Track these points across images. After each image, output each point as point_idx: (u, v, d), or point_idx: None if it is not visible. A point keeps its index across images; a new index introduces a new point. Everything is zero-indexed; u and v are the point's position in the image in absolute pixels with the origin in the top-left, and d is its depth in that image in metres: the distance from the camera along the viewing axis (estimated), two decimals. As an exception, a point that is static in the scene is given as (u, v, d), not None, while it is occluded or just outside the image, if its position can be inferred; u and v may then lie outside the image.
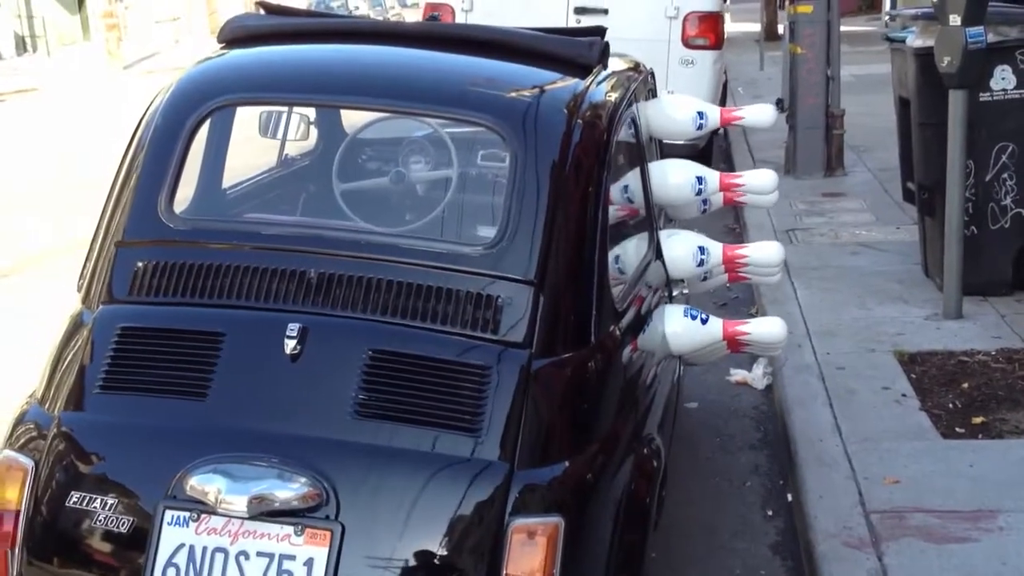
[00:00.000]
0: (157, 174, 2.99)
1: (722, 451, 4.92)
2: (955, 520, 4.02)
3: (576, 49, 3.36)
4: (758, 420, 5.24)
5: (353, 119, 3.96)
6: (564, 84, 3.22)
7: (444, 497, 2.60)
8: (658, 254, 3.71)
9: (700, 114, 4.01)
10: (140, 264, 2.90)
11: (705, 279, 4.05)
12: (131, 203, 2.99)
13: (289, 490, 2.55)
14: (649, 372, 3.35)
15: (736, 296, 7.03)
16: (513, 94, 3.13)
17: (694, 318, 3.51)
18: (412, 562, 2.56)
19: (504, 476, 2.61)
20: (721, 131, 9.96)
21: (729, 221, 8.93)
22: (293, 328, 2.71)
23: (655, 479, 3.03)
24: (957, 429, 4.77)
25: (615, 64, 3.79)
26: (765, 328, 3.68)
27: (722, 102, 12.16)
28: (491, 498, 2.59)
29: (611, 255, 3.45)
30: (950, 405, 5.00)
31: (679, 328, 3.53)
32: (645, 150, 3.70)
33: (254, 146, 4.14)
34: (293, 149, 4.13)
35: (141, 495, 2.66)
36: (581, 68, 3.33)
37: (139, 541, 2.62)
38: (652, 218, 3.70)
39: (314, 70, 3.26)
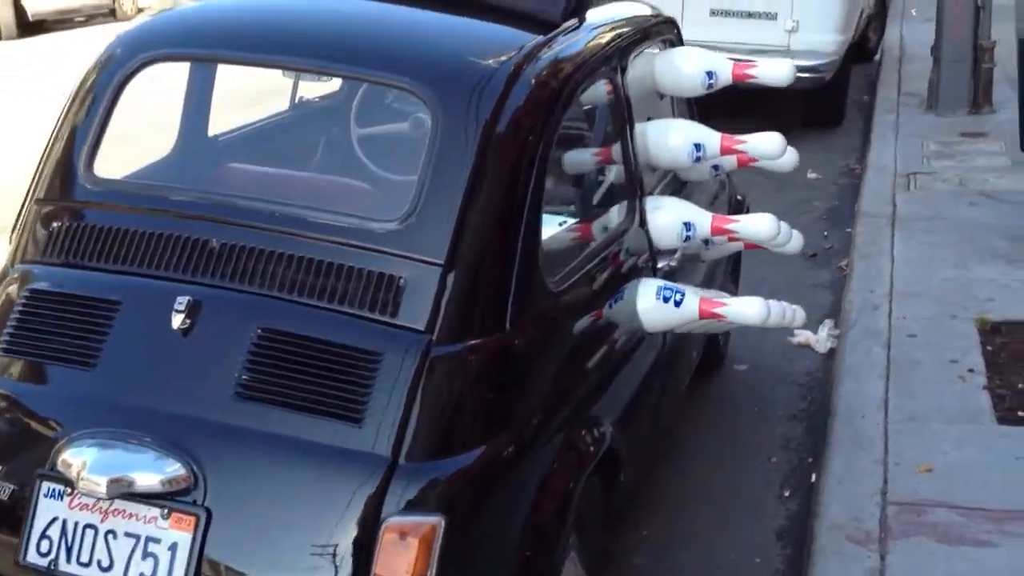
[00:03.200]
0: (79, 132, 2.91)
1: (758, 420, 4.63)
2: (980, 520, 3.67)
3: (539, 4, 3.10)
4: (807, 388, 4.92)
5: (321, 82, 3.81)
6: (511, 43, 2.98)
7: (319, 489, 2.47)
8: (642, 222, 3.44)
9: (710, 73, 3.68)
10: (55, 225, 2.84)
11: (708, 247, 3.75)
12: (52, 161, 2.92)
13: (154, 473, 2.47)
14: (606, 351, 3.12)
15: (830, 246, 6.62)
16: (444, 53, 2.91)
17: (667, 299, 3.25)
18: (279, 555, 2.45)
19: (385, 470, 2.46)
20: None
21: (851, 160, 8.43)
22: (181, 301, 2.60)
23: (581, 471, 2.82)
24: (1019, 414, 4.36)
25: (607, 15, 3.51)
26: (743, 308, 3.38)
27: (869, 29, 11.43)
28: (368, 493, 2.45)
29: (561, 226, 3.23)
30: (1020, 385, 4.56)
31: (649, 306, 3.27)
32: (630, 111, 3.41)
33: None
34: (270, 109, 4.00)
35: (23, 464, 2.62)
36: (544, 25, 3.08)
37: (19, 511, 2.59)
38: (635, 183, 3.42)
39: (241, 25, 3.09)
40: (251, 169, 3.28)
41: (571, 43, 3.09)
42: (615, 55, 3.32)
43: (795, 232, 3.90)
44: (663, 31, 3.92)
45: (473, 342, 2.59)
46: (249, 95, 4.46)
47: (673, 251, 3.51)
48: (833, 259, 6.39)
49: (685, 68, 3.69)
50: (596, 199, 3.50)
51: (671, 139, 3.56)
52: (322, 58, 2.95)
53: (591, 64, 3.14)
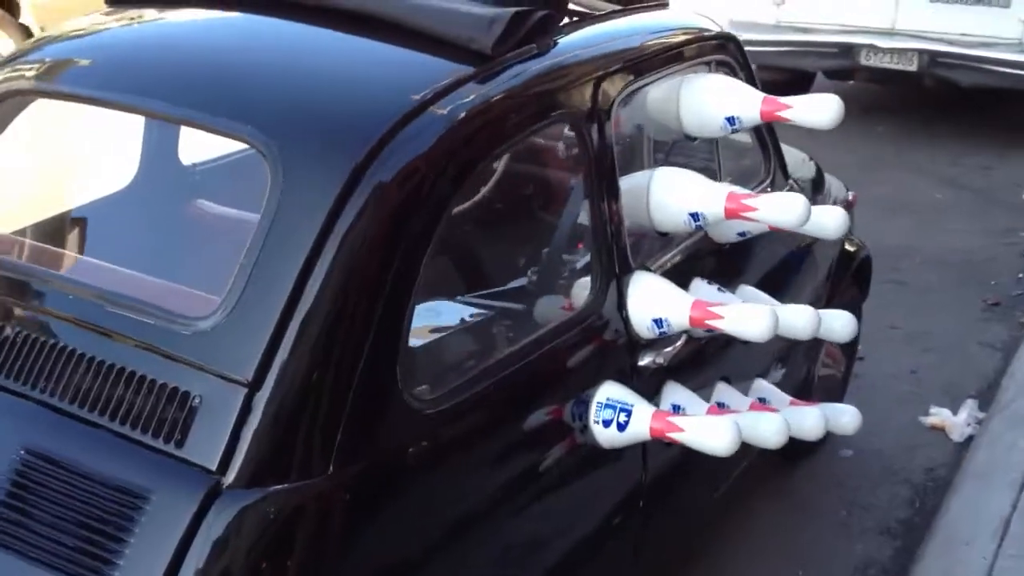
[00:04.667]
0: None
1: (839, 532, 3.67)
2: None
3: (466, 31, 2.34)
4: (920, 490, 3.90)
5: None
6: (412, 83, 2.25)
7: None
8: (620, 305, 2.60)
9: (731, 119, 2.78)
10: None
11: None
12: None
13: None
14: (529, 500, 2.35)
15: (1021, 293, 5.44)
16: (309, 96, 2.20)
17: (606, 423, 2.42)
18: None
19: None
20: None
21: None
22: None
23: None
24: None
25: (609, 31, 2.73)
26: (704, 434, 2.47)
27: None
28: None
29: (465, 321, 2.48)
30: None
31: (594, 429, 2.46)
32: (609, 163, 2.56)
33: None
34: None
35: None
36: (474, 56, 2.33)
37: None
38: (611, 255, 2.58)
39: (103, 57, 2.47)
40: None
41: (503, 81, 2.31)
42: (587, 92, 2.51)
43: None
44: (705, 52, 3.04)
45: (276, 489, 1.91)
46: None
47: (668, 342, 2.66)
48: (1019, 311, 5.23)
49: (702, 108, 2.82)
50: (535, 278, 2.70)
51: (667, 199, 2.70)
52: (162, 99, 2.29)
53: (531, 109, 2.36)
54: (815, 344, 3.71)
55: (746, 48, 9.08)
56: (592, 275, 2.56)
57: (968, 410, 4.24)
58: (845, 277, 3.84)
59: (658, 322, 2.56)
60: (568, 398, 2.44)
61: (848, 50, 7.84)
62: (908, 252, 5.95)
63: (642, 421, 2.44)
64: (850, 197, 4.13)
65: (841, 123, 2.74)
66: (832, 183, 4.14)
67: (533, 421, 2.36)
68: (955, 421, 4.20)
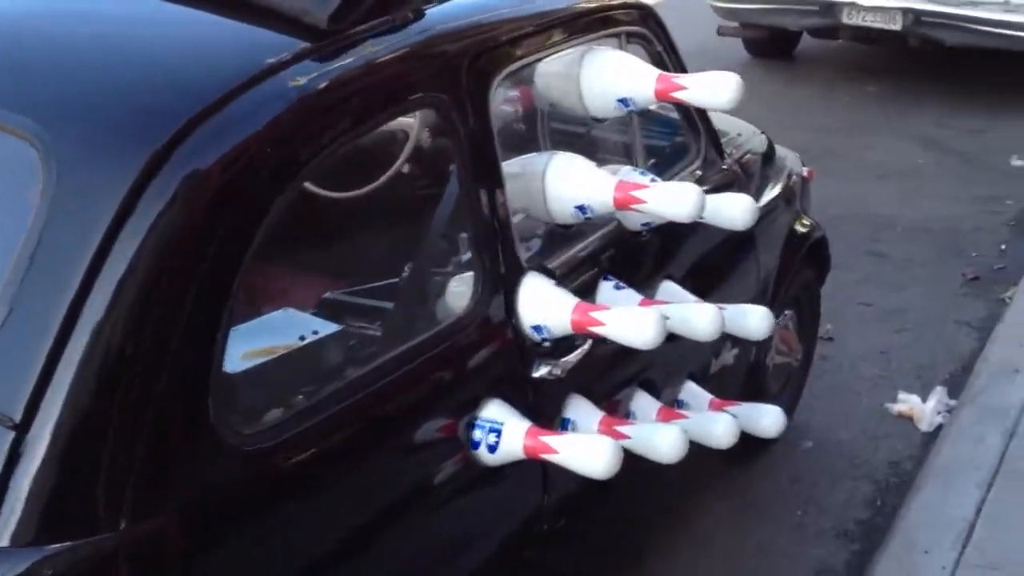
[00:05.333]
0: None
1: (793, 536, 3.38)
2: None
3: (299, 2, 2.04)
4: (883, 488, 3.62)
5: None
6: (230, 63, 1.96)
7: None
8: (509, 309, 2.31)
9: (624, 100, 2.49)
10: None
11: None
12: None
13: None
14: (401, 531, 2.06)
15: (1002, 266, 5.14)
16: (98, 81, 1.91)
17: (475, 444, 2.13)
18: None
19: None
20: None
21: None
22: None
23: None
24: None
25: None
26: (579, 455, 2.16)
27: None
28: None
29: (305, 339, 2.19)
30: None
31: (470, 451, 2.18)
32: (488, 150, 2.27)
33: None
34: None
35: None
36: (310, 31, 2.04)
37: None
38: (495, 253, 2.29)
39: None
40: None
41: (343, 60, 2.02)
42: (458, 71, 2.22)
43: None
44: (613, 23, 2.73)
45: (55, 548, 1.63)
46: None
47: (568, 349, 2.37)
48: (999, 286, 4.93)
49: (598, 87, 2.52)
50: (400, 285, 2.40)
51: (558, 189, 2.41)
52: None
53: (380, 92, 2.07)
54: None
55: (727, 6, 8.77)
56: (474, 279, 2.27)
57: (937, 397, 3.95)
58: (795, 261, 3.54)
59: (537, 328, 2.28)
60: (448, 418, 2.16)
61: (830, 8, 7.52)
62: (890, 221, 5.66)
63: (514, 440, 2.16)
64: (805, 172, 3.83)
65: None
66: (788, 157, 3.84)
67: (403, 446, 2.09)
68: (924, 409, 3.92)
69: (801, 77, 8.03)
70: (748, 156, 3.52)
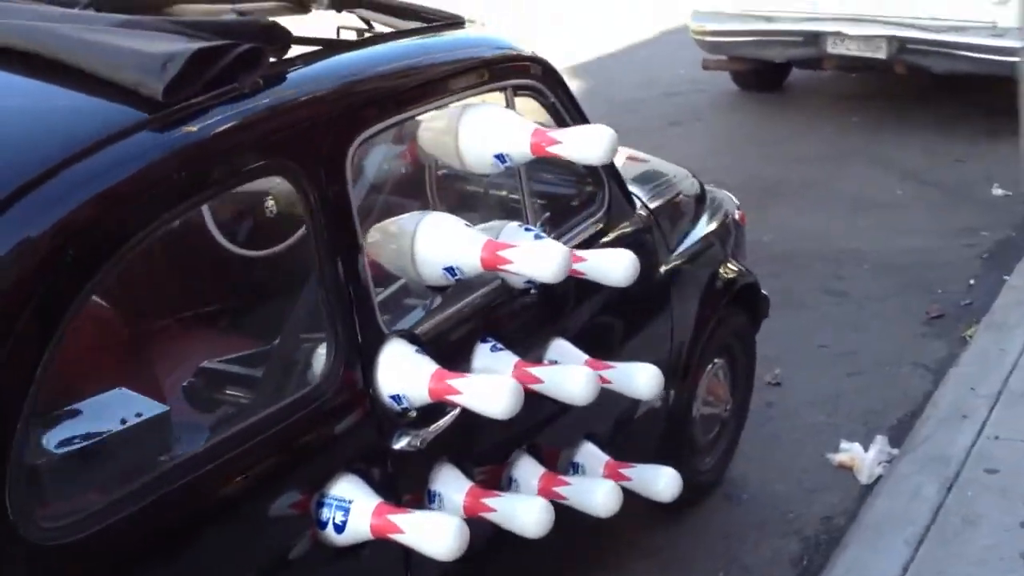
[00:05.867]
0: None
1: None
2: None
3: (134, 73, 1.97)
4: (810, 545, 3.48)
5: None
6: (49, 140, 1.89)
7: None
8: (367, 381, 2.22)
9: (501, 156, 2.40)
10: None
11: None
12: None
13: None
14: None
15: (968, 302, 4.99)
16: None
17: (323, 524, 2.04)
18: None
19: None
20: None
21: None
22: None
23: None
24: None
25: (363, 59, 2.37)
26: (425, 535, 2.06)
27: None
28: None
29: (128, 423, 2.09)
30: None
31: (319, 532, 2.09)
32: (346, 218, 2.18)
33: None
34: None
35: None
36: (146, 103, 1.97)
37: None
38: (350, 324, 2.18)
39: None
40: None
41: (179, 132, 1.95)
42: (312, 135, 2.14)
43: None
44: (499, 76, 2.64)
45: None
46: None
47: (435, 416, 2.28)
48: (963, 323, 4.78)
49: (475, 144, 2.43)
50: (244, 359, 2.32)
51: (426, 251, 2.33)
52: None
53: (218, 163, 1.99)
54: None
55: (711, 40, 8.62)
56: (327, 348, 2.18)
57: (879, 446, 3.82)
58: (717, 309, 3.42)
59: (396, 398, 2.19)
60: (297, 496, 2.08)
61: (814, 38, 7.39)
62: (858, 257, 5.53)
63: (362, 520, 2.07)
64: (737, 215, 3.72)
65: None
66: (722, 200, 3.74)
67: (246, 528, 2.01)
68: (864, 459, 3.79)
69: (788, 108, 7.92)
70: (673, 200, 3.43)
